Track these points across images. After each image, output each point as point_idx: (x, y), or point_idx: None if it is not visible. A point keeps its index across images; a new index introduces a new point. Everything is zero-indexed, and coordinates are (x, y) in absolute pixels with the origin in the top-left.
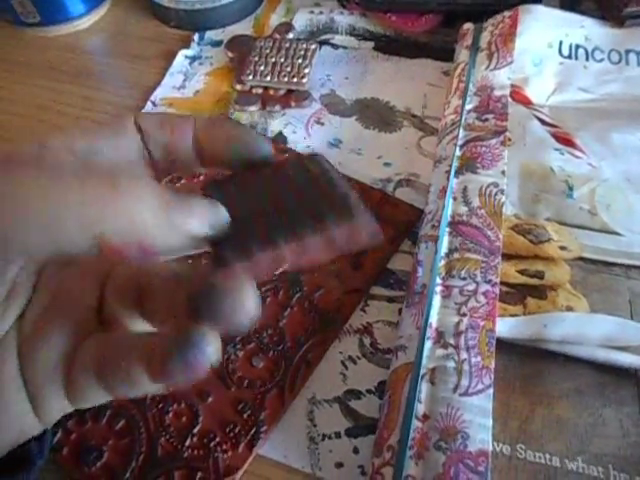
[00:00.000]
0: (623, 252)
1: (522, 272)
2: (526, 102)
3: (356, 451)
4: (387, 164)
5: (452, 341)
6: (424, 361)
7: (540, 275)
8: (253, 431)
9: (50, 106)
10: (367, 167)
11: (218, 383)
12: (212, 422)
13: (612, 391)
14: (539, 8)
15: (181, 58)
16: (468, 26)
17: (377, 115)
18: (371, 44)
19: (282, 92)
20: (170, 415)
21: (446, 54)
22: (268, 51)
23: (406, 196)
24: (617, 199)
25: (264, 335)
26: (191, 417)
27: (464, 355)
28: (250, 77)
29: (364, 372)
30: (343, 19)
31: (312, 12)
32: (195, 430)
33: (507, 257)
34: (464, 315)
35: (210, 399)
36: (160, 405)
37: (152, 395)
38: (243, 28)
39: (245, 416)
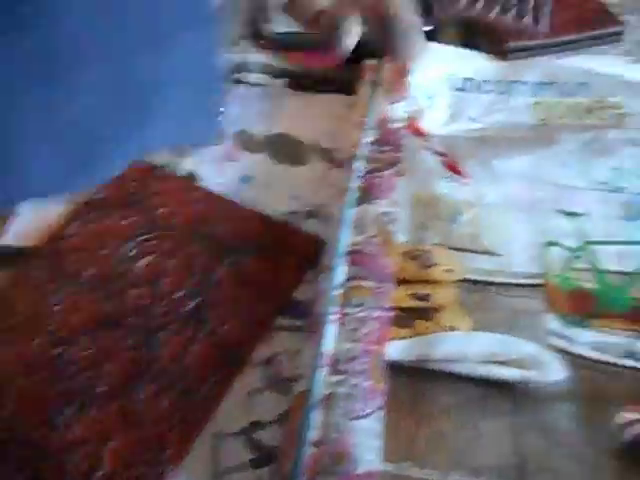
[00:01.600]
0: (502, 271)
1: (412, 296)
2: (420, 133)
3: None
4: (296, 197)
5: (345, 367)
6: (318, 388)
7: (427, 298)
8: (159, 471)
9: None
10: (277, 201)
11: (122, 425)
12: (116, 465)
13: (491, 404)
14: (432, 45)
15: None
16: (369, 63)
17: (287, 150)
18: (283, 81)
19: None
20: (75, 461)
21: (352, 88)
22: None
23: (314, 227)
24: (497, 222)
25: (168, 373)
26: (94, 462)
27: (355, 380)
28: None
29: (269, 403)
30: (256, 58)
31: (227, 53)
32: (98, 474)
33: (400, 282)
34: (357, 341)
35: (113, 442)
36: (63, 453)
37: (55, 443)
38: None
39: (150, 456)
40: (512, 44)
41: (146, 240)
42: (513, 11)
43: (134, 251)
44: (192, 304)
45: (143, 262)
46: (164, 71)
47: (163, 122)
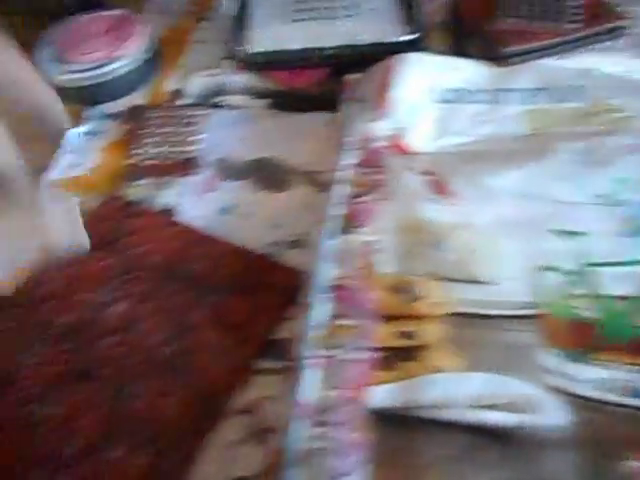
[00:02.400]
0: (493, 302)
1: (397, 334)
2: (404, 152)
3: None
4: (278, 226)
5: (324, 418)
6: (297, 444)
7: (410, 335)
8: None
9: None
10: (258, 231)
11: None
12: None
13: (483, 455)
14: (415, 56)
15: (74, 135)
16: (348, 77)
17: (270, 175)
18: (266, 102)
19: (172, 162)
20: None
21: (336, 104)
22: (158, 121)
23: (298, 258)
24: (487, 246)
25: (143, 430)
26: None
27: (336, 433)
28: (139, 151)
29: (251, 456)
30: (238, 79)
31: (206, 75)
32: None
33: (385, 319)
34: (336, 388)
35: None
36: None
37: None
38: (139, 97)
39: None
40: (512, 48)
41: (122, 283)
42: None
43: (109, 296)
44: (168, 351)
45: (117, 308)
46: None
47: None
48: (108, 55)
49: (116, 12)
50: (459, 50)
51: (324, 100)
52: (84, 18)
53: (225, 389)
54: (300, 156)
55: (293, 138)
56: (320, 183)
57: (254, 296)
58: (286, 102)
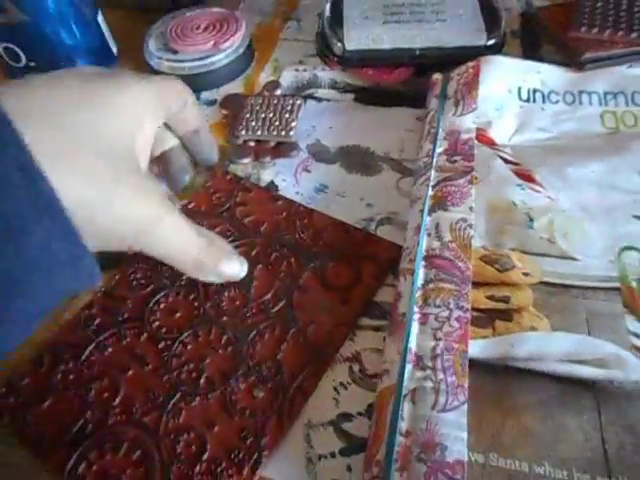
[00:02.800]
0: (579, 275)
1: (490, 298)
2: (490, 143)
3: (349, 469)
4: (369, 205)
5: (430, 363)
6: (405, 383)
7: (506, 300)
8: (255, 456)
9: None
10: (351, 209)
11: (223, 413)
12: (218, 449)
13: (573, 401)
14: (498, 58)
15: None
16: (437, 76)
17: (359, 160)
18: (351, 96)
19: (272, 144)
20: (181, 444)
21: (419, 102)
22: (258, 107)
23: (387, 233)
24: (573, 227)
25: (263, 368)
26: (199, 446)
27: (440, 376)
28: (243, 132)
29: (354, 396)
30: (325, 75)
31: (297, 70)
32: (203, 457)
33: (477, 285)
34: (440, 339)
35: (216, 428)
36: (172, 436)
37: (164, 427)
38: (235, 86)
39: (248, 442)
40: (589, 55)
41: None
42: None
43: None
44: (280, 305)
45: None
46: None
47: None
48: (212, 48)
49: (217, 10)
50: (534, 55)
51: (407, 96)
52: (188, 14)
53: (332, 340)
54: (386, 145)
55: (379, 129)
56: (405, 169)
57: (356, 263)
58: (371, 97)
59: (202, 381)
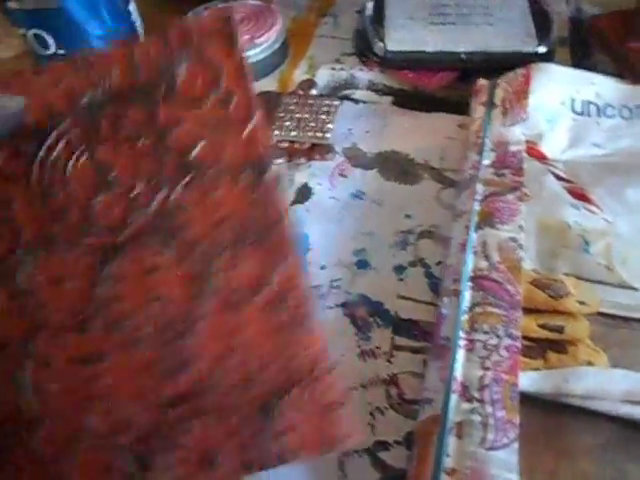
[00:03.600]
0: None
1: (542, 326)
2: (541, 157)
3: None
4: (408, 216)
5: (477, 395)
6: (450, 415)
7: (560, 329)
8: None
9: None
10: (389, 219)
11: None
12: None
13: (636, 446)
14: (550, 66)
15: None
16: (482, 82)
17: (397, 167)
18: (390, 99)
19: (307, 146)
20: None
21: (461, 108)
22: (293, 107)
23: (428, 247)
24: (633, 254)
25: None
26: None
27: (489, 409)
28: (276, 132)
29: (391, 423)
30: (363, 75)
31: (333, 69)
32: None
33: (527, 311)
34: (488, 369)
35: None
36: None
37: None
38: (268, 83)
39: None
40: None
41: None
42: None
43: None
44: None
45: None
46: None
47: None
48: (247, 42)
49: (252, 2)
50: (584, 64)
51: (449, 102)
52: (223, 6)
53: None
54: (426, 152)
55: (419, 135)
56: (446, 179)
57: None
58: (410, 101)
59: None
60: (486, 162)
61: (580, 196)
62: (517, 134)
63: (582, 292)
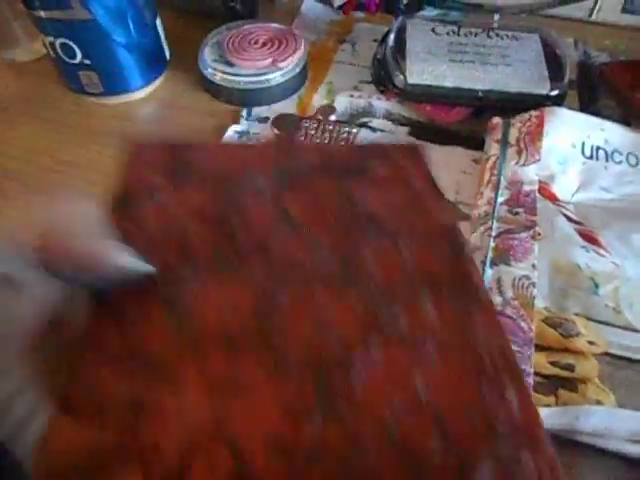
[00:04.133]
0: None
1: (553, 363)
2: (553, 198)
3: None
4: None
5: None
6: None
7: (571, 368)
8: None
9: (111, 172)
10: None
11: None
12: None
13: None
14: (563, 111)
15: (231, 132)
16: (497, 120)
17: None
18: (406, 129)
19: None
20: None
21: (475, 143)
22: (313, 132)
23: None
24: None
25: None
26: None
27: None
28: None
29: None
30: (380, 104)
31: (352, 96)
32: None
33: (539, 348)
34: None
35: None
36: None
37: None
38: (287, 106)
39: None
40: None
41: None
42: None
43: None
44: None
45: None
46: None
47: None
48: (270, 65)
49: (275, 25)
50: (590, 108)
51: (461, 136)
52: (247, 26)
53: None
54: (441, 185)
55: (435, 168)
56: (461, 212)
57: None
58: (425, 133)
59: None
60: (501, 200)
61: (590, 239)
62: (531, 174)
63: (591, 332)
